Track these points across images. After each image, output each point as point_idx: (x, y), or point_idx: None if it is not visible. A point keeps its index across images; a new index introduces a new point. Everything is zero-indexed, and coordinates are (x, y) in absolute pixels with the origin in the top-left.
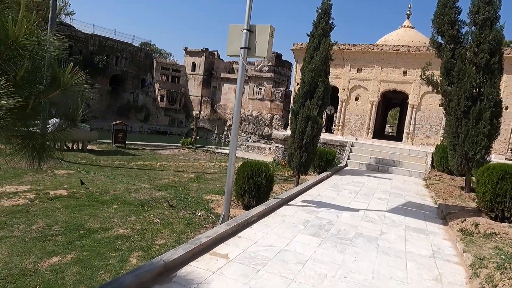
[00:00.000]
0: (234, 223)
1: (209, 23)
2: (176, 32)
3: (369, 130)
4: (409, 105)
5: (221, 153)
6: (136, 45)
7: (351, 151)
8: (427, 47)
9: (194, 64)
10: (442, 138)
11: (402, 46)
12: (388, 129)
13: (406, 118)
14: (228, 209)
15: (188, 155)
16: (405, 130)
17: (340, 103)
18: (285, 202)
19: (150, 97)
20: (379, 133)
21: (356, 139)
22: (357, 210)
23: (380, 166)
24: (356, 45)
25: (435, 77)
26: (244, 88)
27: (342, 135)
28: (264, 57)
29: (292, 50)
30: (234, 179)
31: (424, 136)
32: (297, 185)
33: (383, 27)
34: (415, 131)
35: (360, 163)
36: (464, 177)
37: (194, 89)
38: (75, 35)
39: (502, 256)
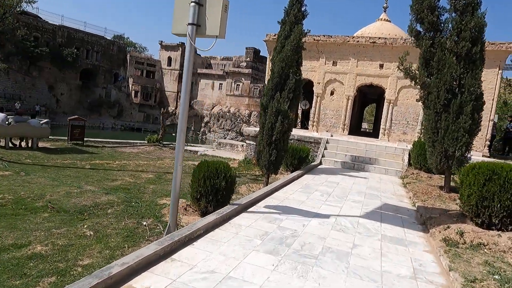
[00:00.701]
0: (169, 241)
1: None
2: (152, 26)
3: (345, 126)
4: (385, 100)
5: (190, 150)
6: (109, 38)
7: (325, 148)
8: (404, 40)
9: (170, 59)
10: (419, 135)
11: (379, 38)
12: (365, 125)
13: (383, 113)
14: (175, 217)
15: (153, 153)
16: (381, 126)
17: (315, 97)
18: (244, 208)
19: (124, 92)
20: (355, 129)
21: (332, 136)
22: (328, 216)
23: (356, 164)
24: (331, 37)
25: (413, 68)
26: (222, 84)
27: (317, 131)
28: (216, 36)
29: (265, 41)
30: (190, 181)
31: (401, 133)
32: (267, 185)
33: (361, 22)
34: (391, 127)
35: (335, 161)
36: (443, 176)
37: (170, 85)
38: (42, 26)
39: (496, 277)
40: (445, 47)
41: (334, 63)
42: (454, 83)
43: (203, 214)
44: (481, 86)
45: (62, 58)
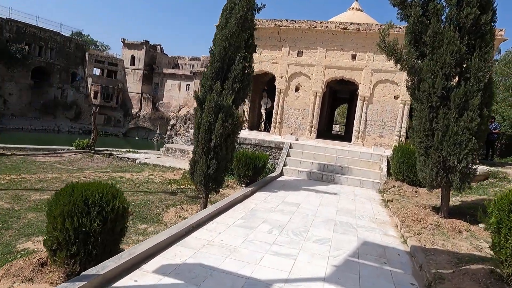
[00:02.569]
0: None
1: (156, 17)
2: (115, 23)
3: (312, 128)
4: (359, 97)
5: (128, 158)
6: (66, 34)
7: (288, 155)
8: (380, 26)
9: (133, 58)
10: (398, 138)
11: (351, 23)
12: (336, 128)
13: (356, 113)
14: None
15: (77, 162)
16: (354, 128)
17: (277, 94)
18: (108, 282)
19: (82, 93)
20: (325, 132)
21: (297, 140)
22: (269, 285)
23: (325, 175)
24: (296, 22)
25: (398, 47)
26: (189, 84)
27: (280, 134)
28: None
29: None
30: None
31: (377, 135)
32: (205, 207)
33: (331, 12)
34: (366, 129)
35: (299, 171)
36: (434, 190)
37: (134, 85)
38: None
39: None
40: (443, 16)
41: (299, 53)
42: (455, 66)
43: (69, 276)
44: (492, 70)
45: (10, 55)
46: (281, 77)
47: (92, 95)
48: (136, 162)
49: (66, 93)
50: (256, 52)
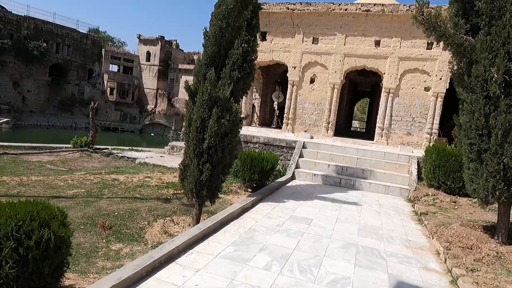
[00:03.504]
0: None
1: (170, 12)
2: (131, 19)
3: (329, 125)
4: (383, 90)
5: (128, 157)
6: (82, 31)
7: (301, 156)
8: (408, 7)
9: (148, 54)
10: (429, 136)
11: (374, 5)
12: (355, 123)
13: (380, 107)
14: None
15: (72, 162)
16: (377, 125)
17: (290, 86)
18: None
19: (98, 89)
20: (343, 129)
21: (311, 138)
22: None
23: (343, 179)
24: (310, 4)
25: (442, 18)
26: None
27: (293, 132)
28: None
29: None
30: None
31: (404, 133)
32: (197, 220)
33: None
34: (391, 126)
35: (313, 174)
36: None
37: (149, 81)
38: (4, 16)
39: None
40: None
41: (315, 41)
42: None
43: None
44: None
45: (28, 52)
46: (294, 68)
47: (108, 92)
48: (136, 162)
49: (83, 90)
50: (259, 31)
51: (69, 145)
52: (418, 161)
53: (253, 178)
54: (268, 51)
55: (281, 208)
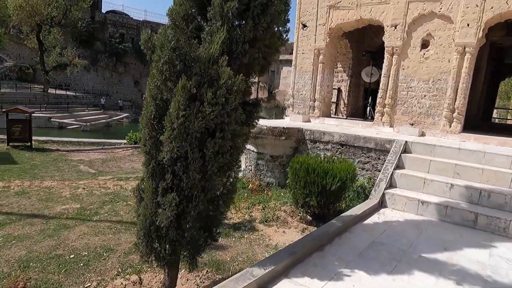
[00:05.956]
0: None
1: None
2: None
3: (454, 115)
4: None
5: None
6: None
7: (400, 166)
8: None
9: None
10: None
11: None
12: (495, 113)
13: None
14: None
15: (115, 162)
16: None
17: (387, 56)
18: None
19: None
20: (478, 120)
21: (423, 135)
22: None
23: (483, 215)
24: None
25: None
26: None
27: (391, 126)
28: None
29: None
30: None
31: None
32: None
33: None
34: None
35: (420, 202)
36: None
37: None
38: (127, 22)
39: None
40: None
41: None
42: None
43: None
44: None
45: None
46: (395, 27)
47: None
48: None
49: None
50: None
51: (125, 141)
52: None
53: (308, 203)
54: (353, 6)
55: None
